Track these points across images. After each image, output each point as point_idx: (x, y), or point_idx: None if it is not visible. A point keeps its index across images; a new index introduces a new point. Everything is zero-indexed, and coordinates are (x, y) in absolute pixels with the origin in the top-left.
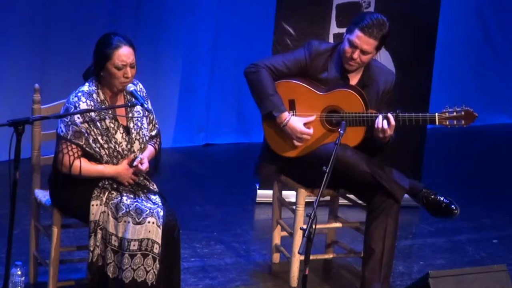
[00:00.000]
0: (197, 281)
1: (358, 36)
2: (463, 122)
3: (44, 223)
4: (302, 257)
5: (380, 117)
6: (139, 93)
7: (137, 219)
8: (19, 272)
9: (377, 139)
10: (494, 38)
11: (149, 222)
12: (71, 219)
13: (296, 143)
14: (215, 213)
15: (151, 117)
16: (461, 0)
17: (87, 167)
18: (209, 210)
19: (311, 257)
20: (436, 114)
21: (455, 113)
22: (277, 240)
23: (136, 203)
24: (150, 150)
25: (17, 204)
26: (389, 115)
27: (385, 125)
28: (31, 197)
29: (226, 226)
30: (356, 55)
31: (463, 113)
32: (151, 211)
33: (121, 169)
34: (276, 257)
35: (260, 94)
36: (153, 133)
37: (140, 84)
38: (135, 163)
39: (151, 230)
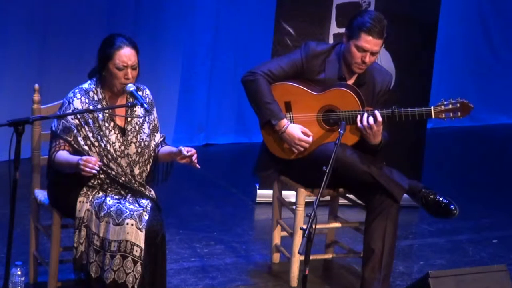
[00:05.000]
0: (197, 281)
1: (367, 40)
2: (459, 114)
3: (44, 223)
4: (302, 257)
5: (365, 114)
6: (143, 98)
7: (116, 220)
8: (19, 272)
9: (366, 140)
10: (494, 38)
11: (127, 223)
12: (71, 219)
13: (294, 150)
14: (215, 213)
15: (155, 124)
16: (461, 0)
17: (61, 157)
18: (209, 210)
19: (311, 257)
20: (432, 107)
21: (450, 106)
22: (277, 240)
23: (118, 204)
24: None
25: (17, 204)
26: (376, 111)
27: (371, 121)
28: (31, 197)
29: (226, 226)
30: (367, 59)
31: (458, 105)
32: (132, 213)
33: (85, 158)
34: (276, 257)
35: (257, 103)
36: (157, 138)
37: (147, 90)
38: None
39: (130, 232)
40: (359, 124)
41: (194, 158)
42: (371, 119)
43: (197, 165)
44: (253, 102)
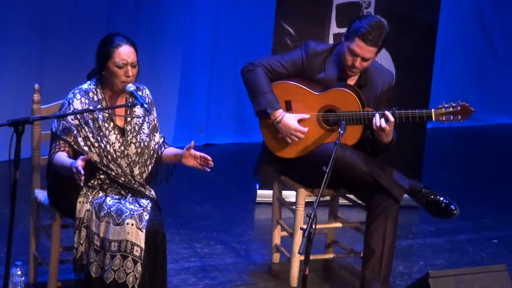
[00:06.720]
0: (197, 281)
1: (359, 46)
2: (459, 117)
3: (44, 223)
4: (302, 257)
5: (377, 115)
6: (143, 98)
7: (117, 220)
8: (19, 272)
9: (379, 139)
10: (494, 38)
11: (127, 223)
12: (71, 219)
13: (289, 141)
14: (215, 213)
15: (155, 124)
16: (461, 0)
17: (58, 159)
18: (209, 210)
19: (311, 257)
20: (432, 110)
21: (451, 109)
22: (277, 240)
23: (118, 204)
24: None
25: (17, 204)
26: (387, 112)
27: (383, 123)
28: (31, 197)
29: (226, 226)
30: (357, 63)
31: (459, 108)
32: (132, 213)
33: (74, 162)
34: (276, 257)
35: (254, 92)
36: (157, 139)
37: (146, 89)
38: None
39: (130, 232)
40: (374, 127)
41: (210, 161)
42: (383, 121)
43: (207, 169)
44: (250, 91)
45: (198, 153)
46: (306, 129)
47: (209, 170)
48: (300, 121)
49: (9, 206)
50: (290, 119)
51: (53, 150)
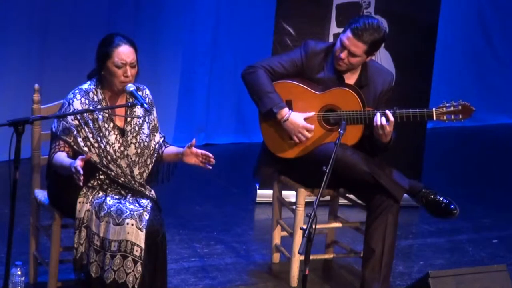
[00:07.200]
0: (197, 281)
1: (348, 37)
2: (460, 116)
3: (44, 223)
4: (302, 257)
5: (378, 114)
6: (143, 98)
7: (117, 220)
8: (19, 272)
9: (378, 139)
10: (494, 38)
11: (127, 223)
12: (71, 219)
13: (296, 139)
14: (215, 213)
15: (155, 124)
16: (461, 0)
17: (58, 159)
18: (209, 210)
19: (311, 257)
20: (434, 109)
21: (452, 108)
22: (277, 240)
23: (118, 204)
24: None
25: (17, 204)
26: (387, 111)
27: (384, 122)
28: (31, 197)
29: (226, 226)
30: (343, 55)
31: (460, 107)
32: (132, 213)
33: (75, 166)
34: (276, 257)
35: (258, 93)
36: (157, 138)
37: (147, 90)
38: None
39: (130, 232)
40: (374, 124)
41: (211, 158)
42: (383, 119)
43: (209, 166)
44: (254, 93)
45: (199, 151)
46: (313, 127)
47: (210, 167)
48: (305, 119)
49: (9, 206)
50: (297, 117)
51: (53, 150)
